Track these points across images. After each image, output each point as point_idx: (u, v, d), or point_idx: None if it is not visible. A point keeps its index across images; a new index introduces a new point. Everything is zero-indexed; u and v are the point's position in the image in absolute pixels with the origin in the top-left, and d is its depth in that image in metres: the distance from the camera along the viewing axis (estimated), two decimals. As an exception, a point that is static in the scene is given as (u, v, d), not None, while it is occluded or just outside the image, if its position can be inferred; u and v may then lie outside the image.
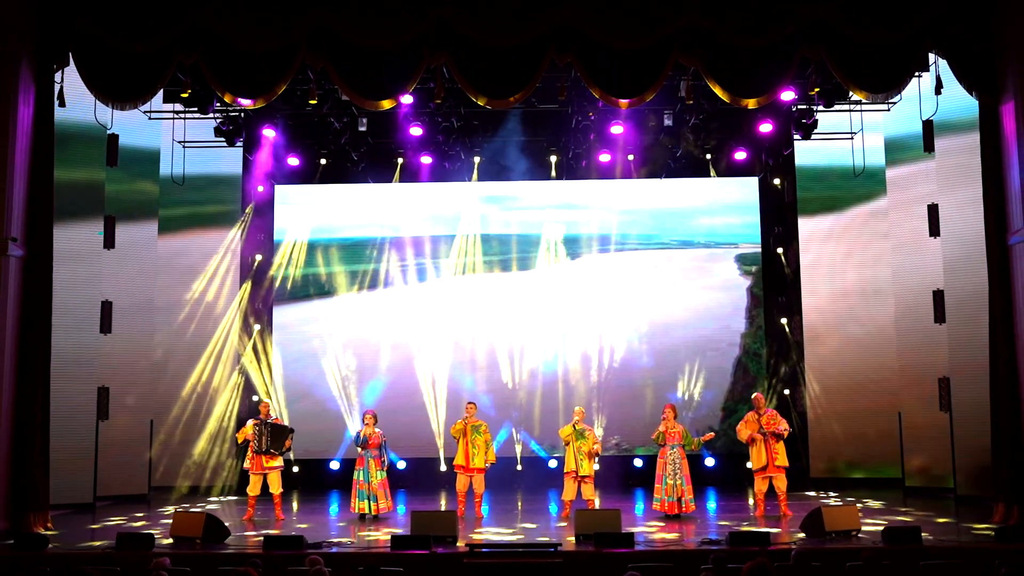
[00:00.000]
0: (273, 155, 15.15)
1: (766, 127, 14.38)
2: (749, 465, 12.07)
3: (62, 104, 11.34)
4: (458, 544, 9.37)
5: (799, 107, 13.91)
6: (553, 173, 15.46)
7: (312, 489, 14.72)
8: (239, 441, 12.45)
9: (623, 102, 11.49)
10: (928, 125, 13.01)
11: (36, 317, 11.01)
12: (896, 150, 14.10)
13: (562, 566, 8.66)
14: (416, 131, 14.36)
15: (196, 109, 13.01)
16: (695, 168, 15.42)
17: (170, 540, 9.68)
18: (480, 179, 15.49)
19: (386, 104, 11.69)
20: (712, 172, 15.40)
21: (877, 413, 14.39)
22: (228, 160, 15.15)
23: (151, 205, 14.38)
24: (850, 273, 15.02)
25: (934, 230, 13.20)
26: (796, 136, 14.64)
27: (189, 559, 8.71)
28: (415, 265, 15.57)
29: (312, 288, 15.60)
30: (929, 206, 13.32)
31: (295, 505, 13.56)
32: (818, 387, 14.87)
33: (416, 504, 12.87)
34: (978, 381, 11.50)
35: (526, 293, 15.44)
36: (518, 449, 15.05)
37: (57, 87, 11.26)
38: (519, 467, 14.99)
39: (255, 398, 14.63)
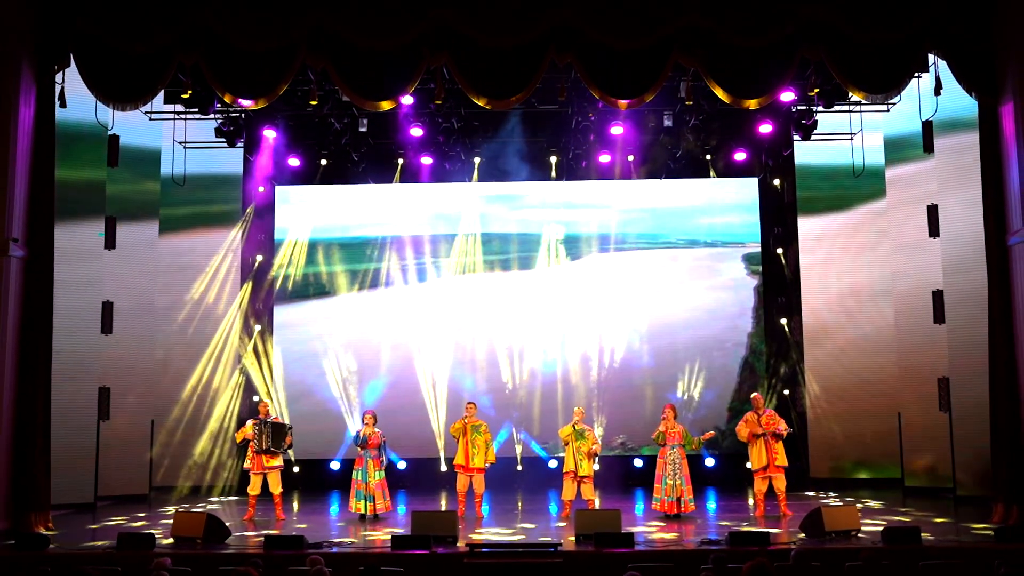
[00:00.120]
0: (274, 156, 15.19)
1: (766, 128, 14.40)
2: (749, 465, 12.08)
3: (63, 105, 11.35)
4: (458, 544, 9.38)
5: (799, 108, 13.92)
6: (553, 173, 15.49)
7: (312, 489, 14.74)
8: (238, 441, 12.48)
9: (622, 103, 11.50)
10: (928, 126, 13.02)
11: (37, 317, 11.03)
12: (896, 150, 14.11)
13: (562, 566, 8.68)
14: (416, 132, 14.37)
15: (197, 110, 13.03)
16: (695, 168, 15.44)
17: (171, 540, 9.69)
18: (480, 180, 15.52)
19: (386, 105, 11.70)
20: (712, 173, 15.42)
21: (877, 413, 14.41)
22: (229, 160, 15.17)
23: (152, 205, 14.40)
24: (850, 273, 15.04)
25: (934, 231, 13.21)
26: (796, 137, 14.66)
27: (190, 559, 8.72)
28: (415, 265, 15.59)
29: (313, 288, 15.62)
30: (929, 206, 13.33)
31: (296, 505, 13.57)
32: (818, 387, 14.88)
33: (416, 504, 12.89)
34: (978, 381, 11.51)
35: (526, 293, 15.46)
36: (518, 449, 15.07)
37: (58, 88, 11.28)
38: (519, 467, 15.00)
39: (255, 398, 14.64)
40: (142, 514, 12.40)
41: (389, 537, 9.55)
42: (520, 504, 13.38)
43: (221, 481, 14.65)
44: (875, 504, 12.68)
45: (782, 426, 11.77)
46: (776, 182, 15.63)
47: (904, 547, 8.80)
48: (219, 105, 13.02)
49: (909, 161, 13.82)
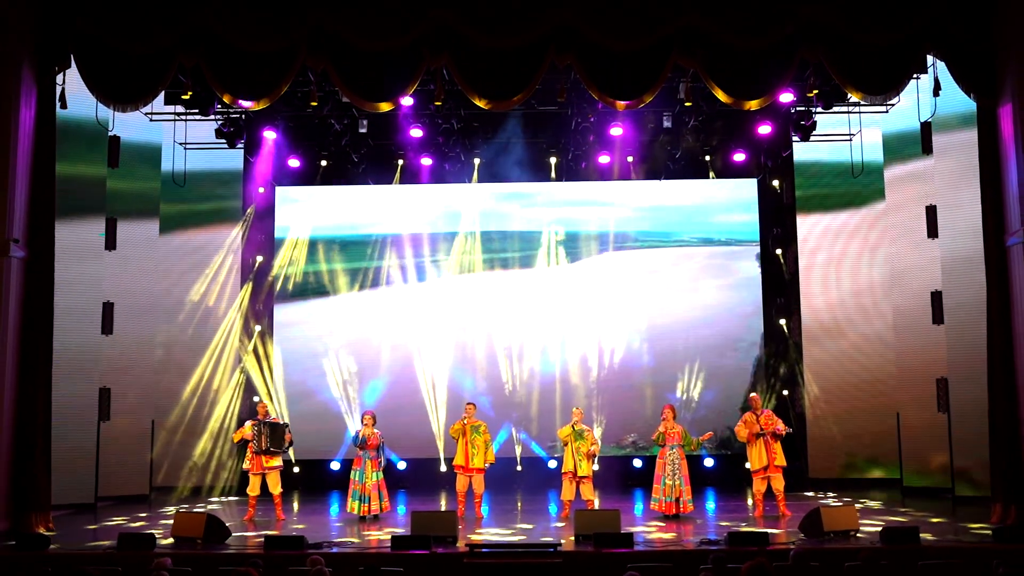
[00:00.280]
0: (274, 156, 15.21)
1: (765, 129, 14.42)
2: (748, 466, 12.10)
3: (63, 106, 11.36)
4: (458, 544, 9.40)
5: (798, 109, 13.94)
6: (553, 174, 15.51)
7: (312, 489, 14.76)
8: (235, 441, 12.52)
9: (621, 103, 11.50)
10: (926, 127, 13.06)
11: (38, 318, 11.04)
12: (894, 151, 14.14)
13: (561, 566, 8.70)
14: (416, 133, 14.39)
15: (197, 111, 13.04)
16: (694, 169, 15.46)
17: (171, 540, 9.72)
18: (480, 180, 15.54)
19: (387, 106, 11.70)
20: (711, 173, 15.44)
21: (875, 413, 14.44)
22: (229, 161, 15.19)
23: (152, 205, 14.40)
24: (848, 274, 15.06)
25: (932, 231, 13.25)
26: (795, 137, 14.69)
27: (190, 559, 8.74)
28: (415, 266, 15.62)
29: (313, 289, 15.64)
30: (927, 207, 13.36)
31: (296, 505, 13.59)
32: (817, 387, 14.90)
33: (416, 504, 12.91)
34: (976, 382, 11.53)
35: (526, 294, 15.49)
36: (518, 450, 15.09)
37: (59, 88, 11.29)
38: (519, 467, 15.02)
39: (255, 399, 14.66)
40: (142, 514, 12.42)
41: (389, 537, 9.57)
42: (520, 504, 13.40)
43: (221, 481, 14.66)
44: (874, 504, 12.71)
45: (781, 426, 11.80)
46: (775, 183, 15.66)
47: (903, 547, 8.83)
48: (219, 106, 13.01)
49: (908, 162, 13.85)
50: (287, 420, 13.64)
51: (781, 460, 11.69)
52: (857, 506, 11.61)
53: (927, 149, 13.24)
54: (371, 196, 15.74)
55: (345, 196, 15.79)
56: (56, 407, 11.28)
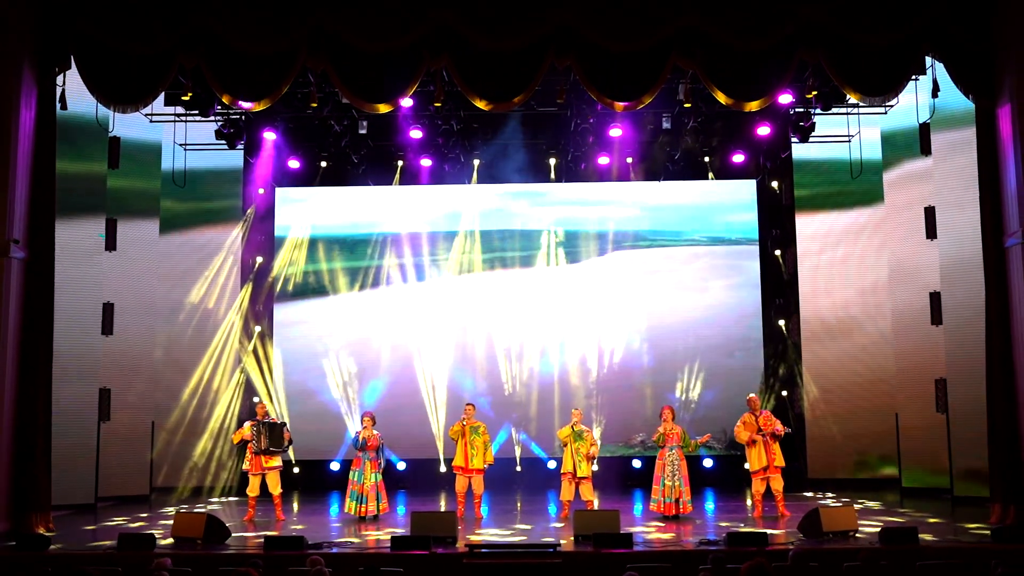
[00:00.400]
0: (274, 157, 15.23)
1: (764, 130, 14.44)
2: (747, 466, 12.11)
3: (64, 107, 11.39)
4: (458, 545, 9.42)
5: (797, 110, 13.96)
6: (552, 175, 15.53)
7: (312, 490, 14.77)
8: (234, 442, 12.55)
9: (620, 105, 11.53)
10: (925, 128, 13.09)
11: (38, 318, 11.05)
12: (893, 153, 14.16)
13: (561, 566, 8.71)
14: (416, 134, 14.41)
15: (197, 112, 13.06)
16: (693, 170, 15.47)
17: (171, 540, 9.73)
18: (480, 182, 15.56)
19: (386, 107, 11.72)
20: (710, 174, 15.46)
21: (874, 414, 14.46)
22: (229, 161, 15.21)
23: (153, 205, 14.42)
24: (847, 275, 15.08)
25: (931, 232, 13.27)
26: (794, 139, 14.72)
27: (190, 559, 8.75)
28: (415, 267, 15.64)
29: (313, 289, 15.66)
30: (926, 208, 13.39)
31: (295, 506, 13.61)
32: (816, 388, 14.92)
33: (416, 505, 12.94)
34: (975, 382, 11.54)
35: (525, 295, 15.51)
36: (517, 450, 15.11)
37: (59, 89, 11.31)
38: (518, 468, 15.04)
39: (255, 399, 14.69)
40: (143, 515, 12.44)
41: (389, 538, 9.58)
42: (519, 505, 13.42)
43: (221, 482, 14.68)
44: (873, 504, 12.72)
45: (779, 427, 11.82)
46: (774, 184, 15.69)
47: (901, 547, 8.84)
48: (219, 107, 13.04)
49: (906, 163, 13.88)
50: (286, 420, 13.67)
51: (780, 461, 11.71)
52: (856, 506, 11.64)
53: (926, 150, 13.27)
54: (371, 197, 15.75)
55: (345, 197, 15.81)
56: (56, 407, 11.31)
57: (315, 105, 12.34)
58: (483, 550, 9.13)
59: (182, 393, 14.69)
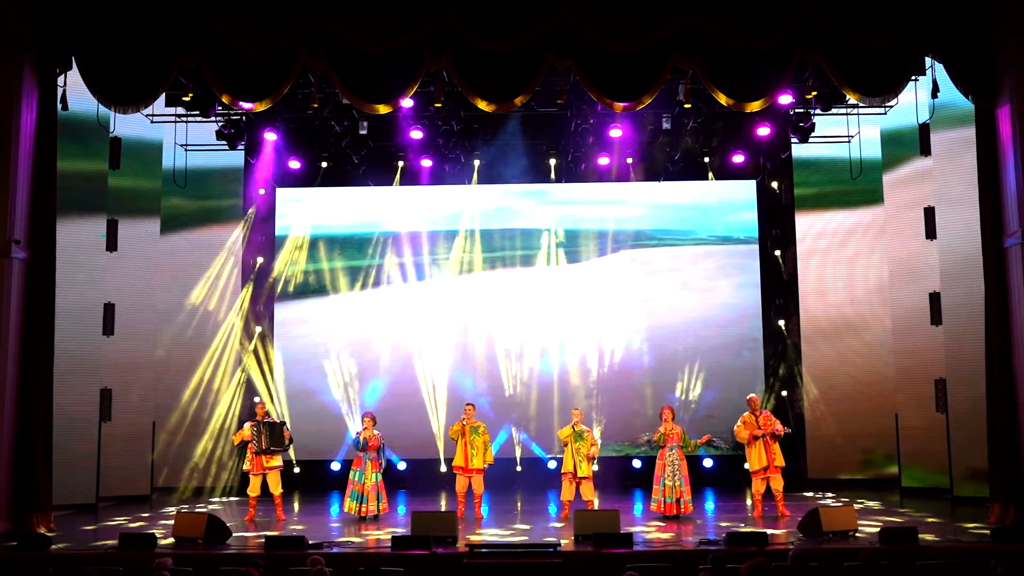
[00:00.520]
0: (275, 158, 15.25)
1: (764, 130, 14.47)
2: (747, 466, 12.13)
3: (65, 107, 11.40)
4: (458, 544, 9.43)
5: (796, 110, 13.98)
6: (552, 176, 15.55)
7: (313, 490, 14.78)
8: (235, 443, 12.57)
9: (619, 105, 11.55)
10: (925, 128, 13.10)
11: (39, 319, 11.07)
12: (893, 153, 14.17)
13: (561, 566, 8.73)
14: (416, 134, 14.44)
15: (198, 113, 13.08)
16: (693, 171, 15.48)
17: (172, 540, 9.75)
18: (480, 182, 15.58)
19: (387, 107, 11.75)
20: (710, 175, 15.48)
21: (874, 414, 14.47)
22: (230, 162, 15.22)
23: (153, 204, 14.42)
24: (847, 275, 15.10)
25: (931, 232, 13.28)
26: (793, 139, 14.73)
27: (191, 559, 8.77)
28: (415, 267, 15.65)
29: (313, 290, 15.67)
30: (925, 209, 13.40)
31: (296, 506, 13.62)
32: (815, 388, 14.94)
33: (416, 504, 12.95)
34: (974, 383, 11.57)
35: (525, 295, 15.52)
36: (518, 450, 15.12)
37: (60, 90, 11.33)
38: (519, 468, 15.05)
39: (256, 399, 14.70)
40: (144, 515, 12.45)
41: (389, 537, 9.60)
42: (519, 505, 13.43)
43: (222, 482, 14.69)
44: (873, 504, 12.74)
45: (779, 427, 11.83)
46: (774, 184, 15.70)
47: (901, 547, 8.86)
48: (220, 108, 13.06)
49: (906, 164, 13.89)
50: (286, 419, 13.69)
51: (780, 461, 11.72)
52: (856, 506, 11.65)
53: (926, 150, 13.29)
54: (371, 197, 15.77)
55: (345, 197, 15.82)
56: (57, 408, 11.32)
57: (316, 106, 12.35)
58: (483, 550, 9.15)
59: (183, 393, 14.71)
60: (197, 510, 12.22)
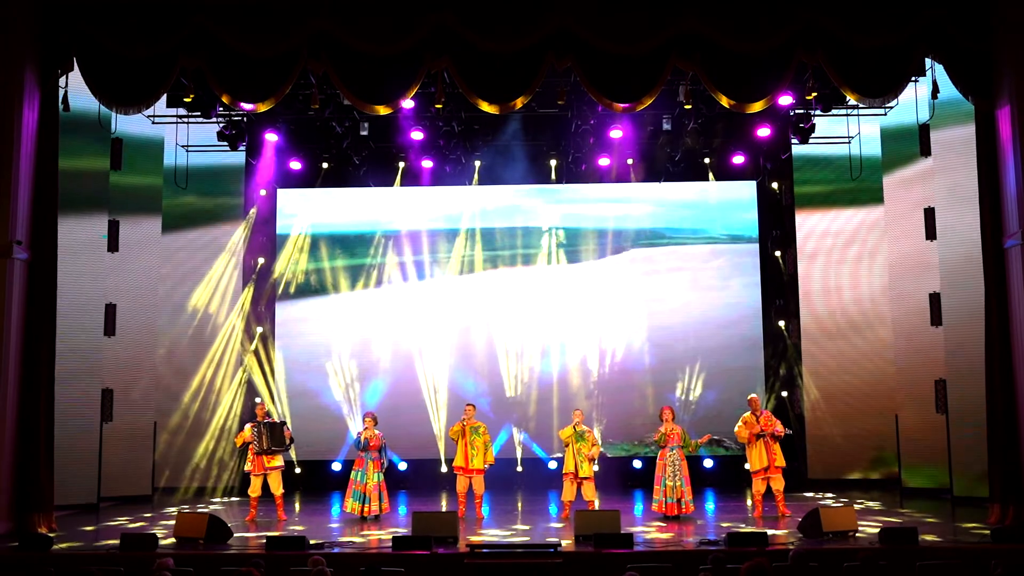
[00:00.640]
0: (276, 159, 15.27)
1: (764, 131, 14.49)
2: (747, 467, 12.14)
3: (66, 109, 11.43)
4: (459, 545, 9.45)
5: (796, 112, 13.99)
6: (553, 176, 15.57)
7: (314, 490, 14.80)
8: (237, 445, 12.59)
9: (619, 106, 11.57)
10: (925, 129, 13.11)
11: (40, 319, 11.10)
12: (893, 154, 14.18)
13: (562, 566, 8.74)
14: (417, 135, 14.46)
15: (199, 114, 13.09)
16: (694, 171, 15.49)
17: (173, 541, 9.77)
18: (481, 183, 15.60)
19: (388, 108, 11.77)
20: (710, 175, 15.50)
21: (874, 415, 14.49)
22: (231, 163, 15.24)
23: (154, 203, 14.44)
24: (847, 276, 15.12)
25: (930, 233, 13.29)
26: (794, 140, 14.75)
27: (192, 559, 8.78)
28: (415, 267, 15.67)
29: (314, 290, 15.69)
30: (925, 209, 13.41)
31: (297, 506, 13.63)
32: (816, 389, 14.95)
33: (417, 505, 12.97)
34: (974, 383, 11.58)
35: (526, 296, 15.54)
36: (518, 450, 15.14)
37: (61, 92, 11.35)
38: (519, 468, 15.07)
39: (257, 399, 14.72)
40: (145, 515, 12.46)
41: (390, 538, 9.62)
42: (520, 505, 13.45)
43: (223, 482, 14.71)
44: (873, 505, 12.75)
45: (780, 427, 11.85)
46: (774, 185, 15.72)
47: (901, 547, 8.88)
48: (221, 109, 13.08)
49: (906, 165, 13.90)
50: (287, 419, 13.70)
51: (781, 461, 11.74)
52: (856, 507, 11.66)
53: (926, 151, 13.30)
54: (372, 198, 15.79)
55: (346, 198, 15.84)
56: (59, 408, 11.35)
57: (316, 107, 12.33)
58: (484, 550, 9.16)
59: (184, 394, 14.73)
60: (198, 510, 12.23)
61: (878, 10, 10.96)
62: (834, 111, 13.61)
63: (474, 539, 9.92)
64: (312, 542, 9.46)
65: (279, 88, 11.35)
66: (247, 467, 12.10)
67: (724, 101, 11.44)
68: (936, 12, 10.93)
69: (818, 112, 13.72)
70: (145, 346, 14.19)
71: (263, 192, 15.59)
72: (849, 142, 14.60)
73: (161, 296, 14.55)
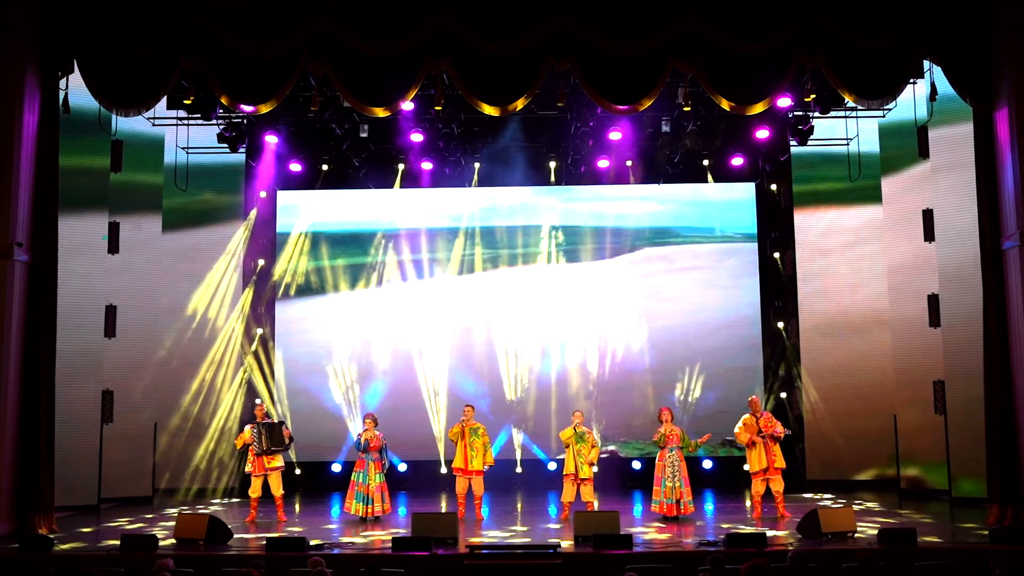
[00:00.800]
0: (275, 161, 15.29)
1: (763, 133, 14.52)
2: (747, 467, 12.16)
3: (67, 111, 11.45)
4: (458, 546, 9.47)
5: (795, 113, 14.02)
6: (552, 178, 15.59)
7: (314, 491, 14.82)
8: (237, 447, 12.61)
9: (619, 108, 11.61)
10: (923, 131, 13.13)
11: (41, 321, 11.11)
12: (892, 155, 14.20)
13: (561, 567, 8.76)
14: (417, 137, 14.48)
15: (199, 115, 13.11)
16: (693, 173, 15.50)
17: (173, 542, 9.79)
18: (480, 184, 15.62)
19: (388, 110, 11.79)
20: (710, 177, 15.51)
21: (873, 415, 14.49)
22: (231, 164, 15.26)
23: (155, 204, 14.45)
24: (846, 277, 15.13)
25: (929, 235, 13.31)
26: (792, 142, 14.77)
27: (192, 560, 8.80)
28: (415, 268, 15.69)
29: (314, 291, 15.71)
30: (924, 211, 13.43)
31: (297, 507, 13.65)
32: (815, 390, 14.96)
33: (417, 506, 12.99)
34: (973, 384, 11.60)
35: (526, 297, 15.56)
36: (518, 452, 15.16)
37: (62, 94, 11.37)
38: (519, 469, 15.08)
39: (257, 400, 14.73)
40: (146, 516, 12.48)
41: (390, 538, 9.63)
42: (520, 506, 13.46)
43: (223, 483, 14.72)
44: (871, 505, 12.77)
45: (779, 428, 11.86)
46: (773, 186, 15.74)
47: (900, 548, 8.90)
48: (221, 110, 13.10)
49: (905, 166, 13.92)
50: (287, 420, 13.71)
51: (780, 462, 11.75)
52: (855, 507, 11.68)
53: (924, 153, 13.31)
54: (372, 200, 15.81)
55: (346, 200, 15.87)
56: (59, 409, 11.35)
57: (316, 108, 12.36)
58: (484, 551, 9.18)
59: (184, 394, 14.73)
60: (198, 511, 12.23)
61: (878, 10, 10.99)
62: (833, 112, 13.62)
63: (474, 540, 9.94)
64: (312, 543, 9.48)
65: (279, 89, 11.37)
66: (247, 468, 12.12)
67: (724, 103, 11.46)
68: (936, 12, 10.95)
69: (817, 114, 13.74)
70: (145, 347, 14.20)
71: (263, 194, 15.61)
72: (848, 144, 14.62)
73: (161, 297, 14.55)
